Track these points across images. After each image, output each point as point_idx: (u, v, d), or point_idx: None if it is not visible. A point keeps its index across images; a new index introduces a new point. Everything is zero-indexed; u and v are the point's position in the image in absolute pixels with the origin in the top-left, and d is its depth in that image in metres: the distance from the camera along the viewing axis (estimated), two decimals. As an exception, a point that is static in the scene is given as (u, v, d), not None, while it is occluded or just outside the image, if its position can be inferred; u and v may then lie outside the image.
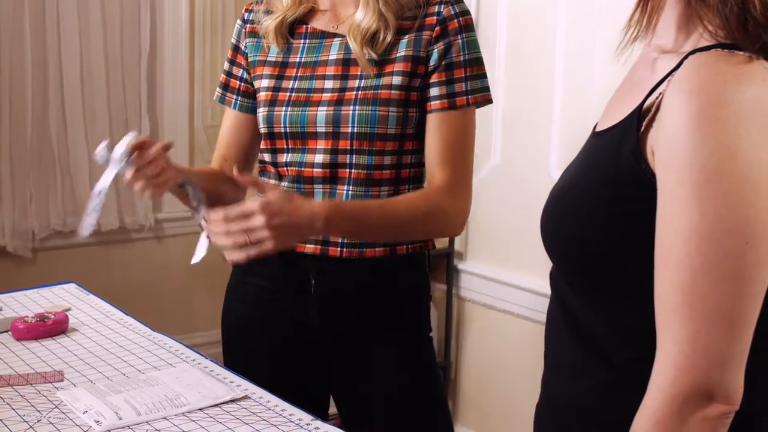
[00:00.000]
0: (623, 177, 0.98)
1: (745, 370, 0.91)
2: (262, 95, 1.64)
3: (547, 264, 1.13)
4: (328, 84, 1.59)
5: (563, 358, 1.11)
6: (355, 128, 1.56)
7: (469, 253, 3.15)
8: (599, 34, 2.58)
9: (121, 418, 1.27)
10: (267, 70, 1.65)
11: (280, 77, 1.64)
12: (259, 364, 1.66)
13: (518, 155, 2.91)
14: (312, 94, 1.60)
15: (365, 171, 1.58)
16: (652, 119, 0.96)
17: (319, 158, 1.58)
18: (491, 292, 3.04)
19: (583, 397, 1.06)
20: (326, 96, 1.59)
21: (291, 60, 1.64)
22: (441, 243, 3.06)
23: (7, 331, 1.63)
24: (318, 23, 1.65)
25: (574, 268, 1.07)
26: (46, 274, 2.95)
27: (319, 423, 1.28)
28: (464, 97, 1.57)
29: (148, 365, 1.50)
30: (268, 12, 1.67)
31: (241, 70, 1.71)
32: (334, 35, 1.62)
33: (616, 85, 1.13)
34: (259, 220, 1.36)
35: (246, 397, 1.37)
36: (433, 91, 1.57)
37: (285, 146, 1.62)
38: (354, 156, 1.57)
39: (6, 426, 1.26)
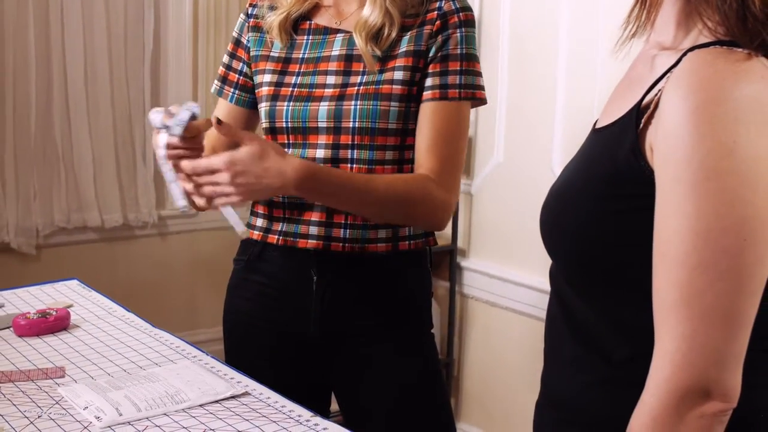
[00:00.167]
0: (622, 174, 0.98)
1: (743, 368, 0.91)
2: (264, 90, 1.64)
3: (550, 261, 1.13)
4: (330, 80, 1.60)
5: (562, 355, 1.11)
6: (357, 123, 1.56)
7: (472, 251, 3.15)
8: (602, 32, 2.58)
9: (121, 414, 1.28)
10: (270, 66, 1.65)
11: (282, 72, 1.64)
12: (260, 361, 1.66)
13: (521, 153, 2.91)
14: (314, 90, 1.60)
15: (366, 166, 1.58)
16: (651, 116, 0.96)
17: (320, 153, 1.58)
18: (494, 290, 3.03)
19: (581, 393, 1.06)
20: (328, 91, 1.59)
21: (294, 56, 1.64)
22: (443, 240, 3.06)
23: (8, 327, 1.64)
24: (321, 19, 1.65)
25: (572, 265, 1.07)
26: (49, 271, 2.96)
27: (319, 419, 1.28)
28: (456, 90, 1.57)
29: (148, 361, 1.50)
30: (272, 8, 1.67)
31: (241, 64, 1.71)
32: (337, 31, 1.63)
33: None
34: (223, 177, 1.38)
35: (246, 394, 1.37)
36: (427, 82, 1.57)
37: (286, 141, 1.62)
38: (355, 151, 1.57)
39: (7, 421, 1.26)
